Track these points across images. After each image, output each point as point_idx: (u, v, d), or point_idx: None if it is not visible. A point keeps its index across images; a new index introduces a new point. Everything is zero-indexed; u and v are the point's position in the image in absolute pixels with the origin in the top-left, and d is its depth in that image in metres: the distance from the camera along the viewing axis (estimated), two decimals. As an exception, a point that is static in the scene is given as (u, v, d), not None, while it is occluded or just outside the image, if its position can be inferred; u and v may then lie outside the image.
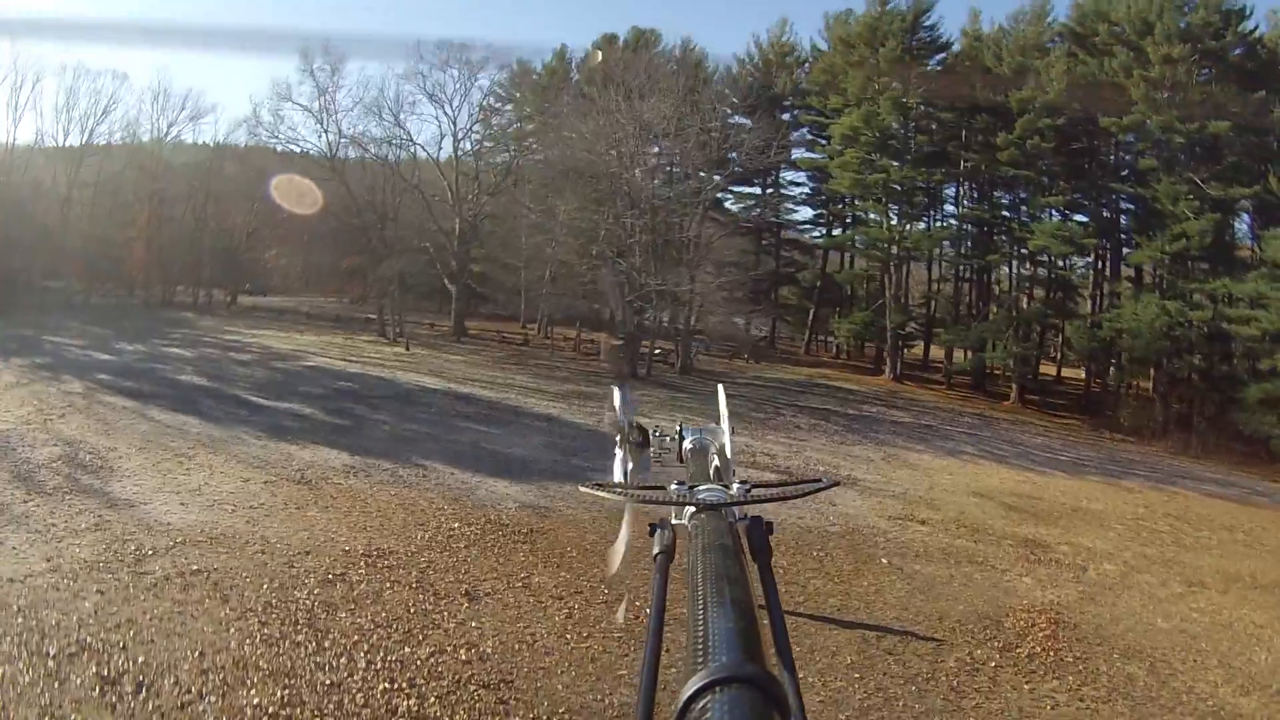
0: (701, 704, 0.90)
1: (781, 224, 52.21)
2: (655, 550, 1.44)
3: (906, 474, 28.33)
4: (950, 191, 54.99)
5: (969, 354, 50.60)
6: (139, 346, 37.52)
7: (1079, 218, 50.29)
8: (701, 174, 46.66)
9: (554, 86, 57.61)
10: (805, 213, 59.16)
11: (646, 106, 44.80)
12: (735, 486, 1.68)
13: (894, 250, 50.92)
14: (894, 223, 51.36)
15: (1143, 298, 45.43)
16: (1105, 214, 50.50)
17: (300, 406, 28.50)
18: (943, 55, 52.20)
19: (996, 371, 50.42)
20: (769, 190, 56.90)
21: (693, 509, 1.58)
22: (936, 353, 55.88)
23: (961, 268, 53.91)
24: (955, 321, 52.55)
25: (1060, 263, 50.33)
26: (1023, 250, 50.51)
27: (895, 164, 50.16)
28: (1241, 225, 48.69)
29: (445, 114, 52.22)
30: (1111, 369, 49.89)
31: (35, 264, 50.55)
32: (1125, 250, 50.48)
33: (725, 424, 2.29)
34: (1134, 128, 46.18)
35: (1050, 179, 49.20)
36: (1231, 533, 25.45)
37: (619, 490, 1.88)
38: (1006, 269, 52.63)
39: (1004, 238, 51.66)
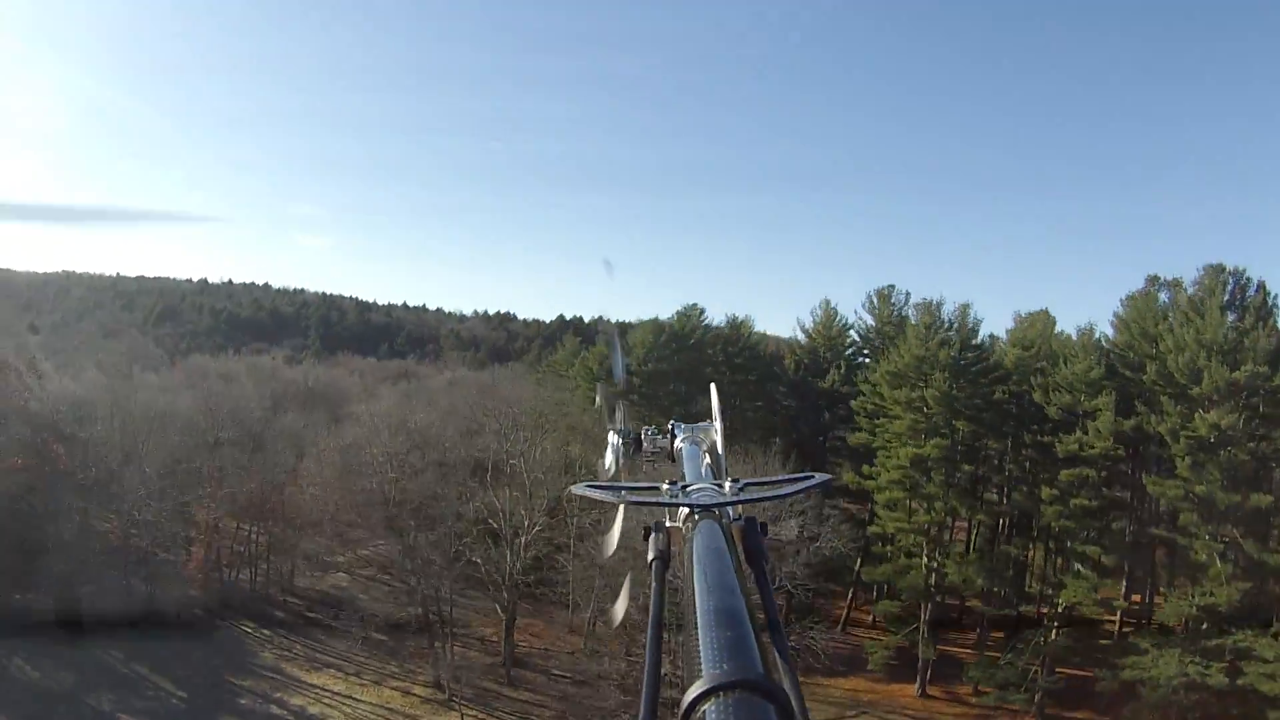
0: (703, 710, 1.01)
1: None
2: (650, 555, 1.52)
3: None
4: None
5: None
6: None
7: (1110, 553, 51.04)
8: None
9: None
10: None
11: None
12: (728, 485, 1.77)
13: (931, 581, 51.86)
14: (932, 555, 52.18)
15: (1165, 654, 45.75)
16: (1137, 559, 51.49)
17: None
18: (990, 378, 52.70)
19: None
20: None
21: (686, 510, 1.67)
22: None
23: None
24: (982, 652, 53.21)
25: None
26: (1053, 595, 51.19)
27: (938, 495, 51.11)
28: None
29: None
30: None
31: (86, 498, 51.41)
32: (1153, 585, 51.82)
33: (717, 421, 2.39)
34: (1178, 497, 46.72)
35: (1089, 527, 49.92)
36: None
37: (612, 490, 1.98)
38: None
39: (1038, 582, 53.22)
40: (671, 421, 2.59)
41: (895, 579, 52.67)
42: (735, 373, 60.50)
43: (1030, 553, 54.88)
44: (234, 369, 71.28)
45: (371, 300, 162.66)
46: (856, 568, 56.44)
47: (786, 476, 1.90)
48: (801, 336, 63.63)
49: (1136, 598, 52.96)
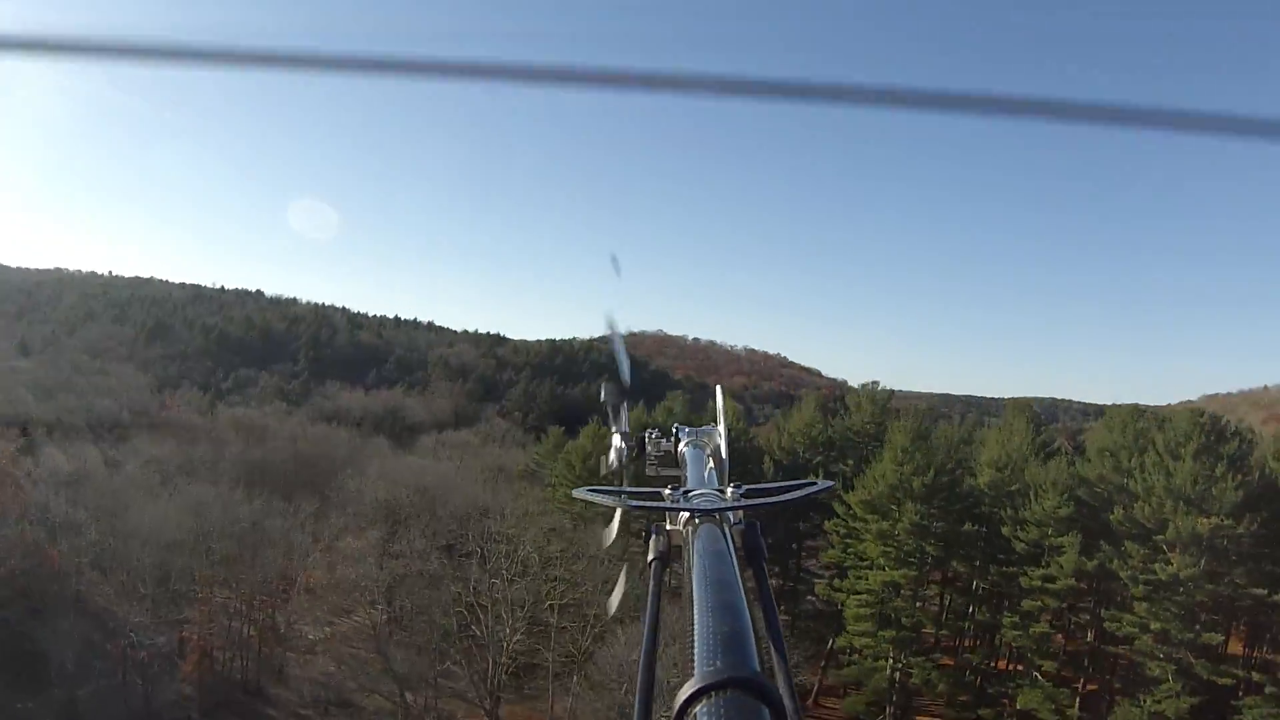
0: (697, 709, 1.00)
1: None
2: (650, 556, 1.59)
3: None
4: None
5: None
6: None
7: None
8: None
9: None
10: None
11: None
12: (730, 490, 1.81)
13: (896, 680, 53.53)
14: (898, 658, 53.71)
15: None
16: (1093, 671, 53.86)
17: None
18: (962, 504, 54.10)
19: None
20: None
21: (687, 514, 1.72)
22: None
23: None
24: None
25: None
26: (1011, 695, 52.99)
27: (906, 612, 52.87)
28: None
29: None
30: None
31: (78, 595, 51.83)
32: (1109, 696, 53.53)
33: (722, 426, 2.37)
34: (1134, 633, 48.42)
35: (1046, 644, 51.96)
36: None
37: (613, 495, 2.03)
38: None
39: (998, 685, 54.99)
40: (675, 425, 2.63)
41: (862, 679, 54.88)
42: (715, 467, 61.44)
43: (991, 660, 57.19)
44: (222, 431, 71.80)
45: (362, 312, 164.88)
46: (829, 647, 58.10)
47: (789, 483, 1.93)
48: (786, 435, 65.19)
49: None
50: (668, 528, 1.68)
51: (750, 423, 73.25)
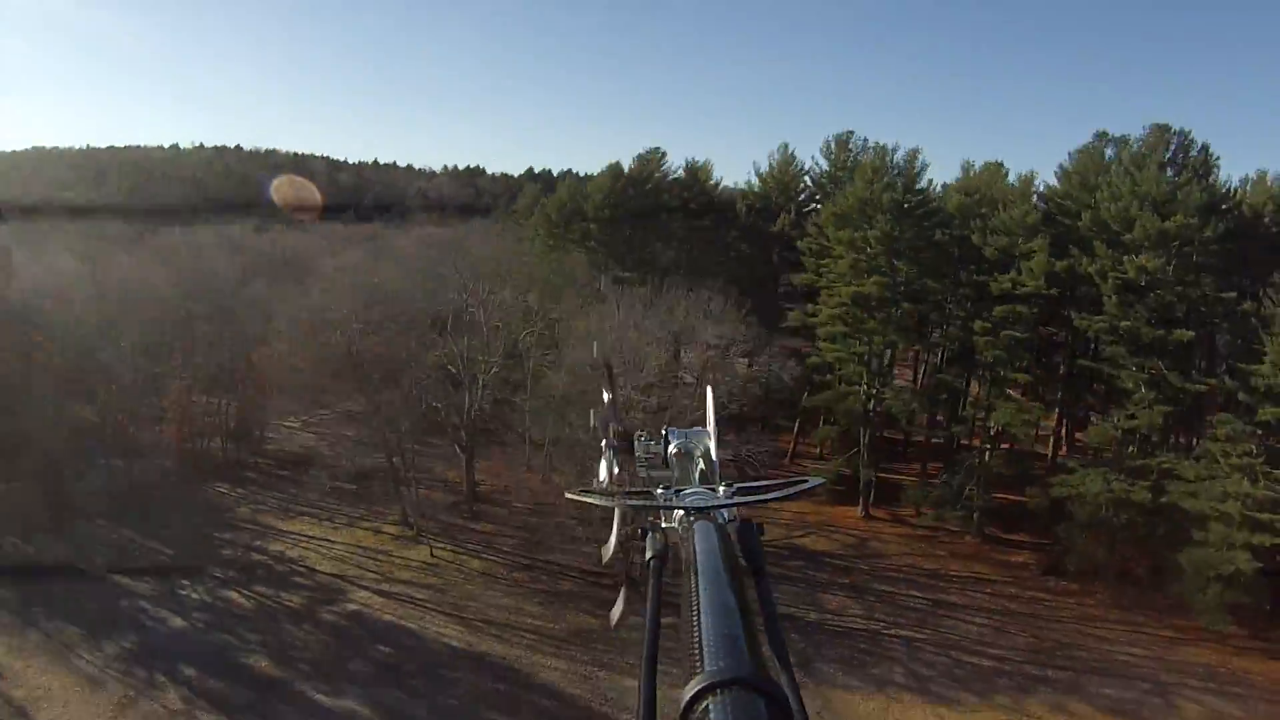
0: (702, 706, 1.01)
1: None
2: (648, 555, 1.61)
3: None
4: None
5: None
6: (201, 593, 42.87)
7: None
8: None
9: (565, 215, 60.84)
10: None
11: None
12: (722, 489, 1.87)
13: (870, 407, 54.40)
14: (871, 384, 54.47)
15: (1090, 473, 47.71)
16: (1068, 389, 55.08)
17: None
18: (932, 221, 54.34)
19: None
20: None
21: (681, 513, 1.76)
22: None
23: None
24: (921, 479, 56.03)
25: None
26: (985, 419, 53.56)
27: (878, 331, 53.29)
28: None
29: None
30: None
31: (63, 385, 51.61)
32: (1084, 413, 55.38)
33: (711, 427, 2.45)
34: (1104, 330, 49.00)
35: (1019, 356, 51.99)
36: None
37: (607, 495, 2.14)
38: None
39: (971, 408, 55.73)
40: (665, 428, 2.65)
41: (835, 404, 55.33)
42: (691, 218, 61.96)
43: (967, 383, 57.37)
44: (203, 240, 71.84)
45: (342, 159, 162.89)
46: (802, 403, 58.52)
47: (779, 480, 2.00)
48: (757, 181, 65.26)
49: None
50: (663, 526, 1.71)
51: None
